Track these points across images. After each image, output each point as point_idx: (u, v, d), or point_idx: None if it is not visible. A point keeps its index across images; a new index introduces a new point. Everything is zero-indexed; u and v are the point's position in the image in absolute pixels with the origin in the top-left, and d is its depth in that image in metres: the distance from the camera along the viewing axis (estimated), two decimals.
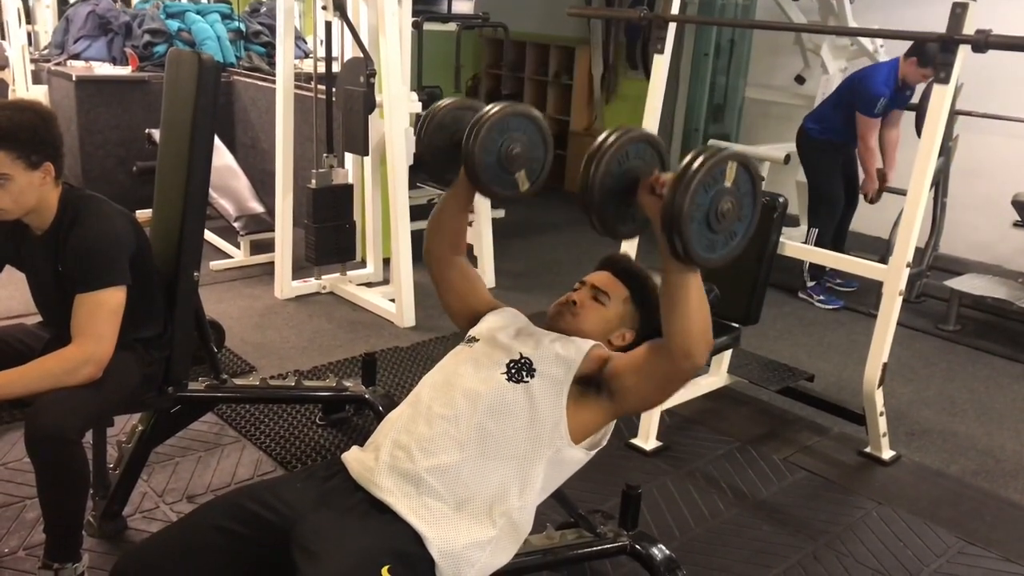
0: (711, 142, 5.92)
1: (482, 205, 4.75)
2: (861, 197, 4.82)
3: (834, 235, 4.85)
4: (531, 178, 1.87)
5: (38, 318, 2.37)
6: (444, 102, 1.92)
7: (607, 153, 1.54)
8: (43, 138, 2.05)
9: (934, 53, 2.85)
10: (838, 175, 4.85)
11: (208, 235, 4.89)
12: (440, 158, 1.90)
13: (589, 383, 1.69)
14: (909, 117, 4.69)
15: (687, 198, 1.41)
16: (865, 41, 5.40)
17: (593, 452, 1.74)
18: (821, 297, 4.81)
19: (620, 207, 1.59)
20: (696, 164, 1.43)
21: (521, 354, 1.71)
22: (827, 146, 4.79)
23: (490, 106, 1.80)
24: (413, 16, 4.42)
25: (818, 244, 4.65)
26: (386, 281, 4.66)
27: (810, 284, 4.84)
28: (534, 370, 1.68)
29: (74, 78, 5.43)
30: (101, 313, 2.06)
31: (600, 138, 1.57)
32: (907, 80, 4.47)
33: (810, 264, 4.76)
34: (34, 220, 2.13)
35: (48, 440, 1.94)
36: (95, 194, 2.21)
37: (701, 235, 1.46)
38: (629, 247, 3.63)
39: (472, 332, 1.85)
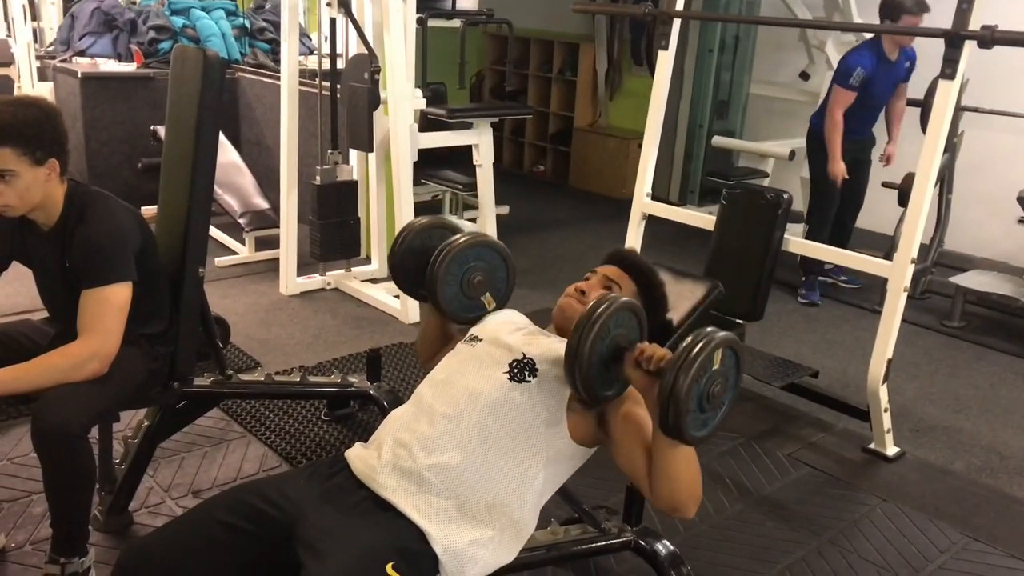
0: (715, 139, 5.92)
1: (487, 201, 4.76)
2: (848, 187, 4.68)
3: (835, 234, 4.79)
4: (496, 298, 1.99)
5: (44, 314, 2.38)
6: (416, 222, 2.02)
7: (595, 330, 1.57)
8: (48, 134, 2.06)
9: (894, 3, 2.74)
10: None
11: (213, 231, 4.90)
12: (411, 279, 2.01)
13: (588, 405, 1.70)
14: (914, 112, 4.68)
15: (684, 395, 1.45)
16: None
17: (594, 449, 1.75)
18: (802, 291, 4.79)
19: (605, 373, 1.63)
20: (687, 360, 1.46)
21: (524, 354, 1.71)
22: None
23: (451, 240, 1.91)
24: (417, 12, 4.41)
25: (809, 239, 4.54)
26: (391, 277, 4.66)
27: (804, 279, 4.82)
28: (536, 370, 1.68)
29: (79, 75, 5.44)
30: (107, 309, 2.07)
31: (591, 306, 1.60)
32: (888, 47, 4.36)
33: (802, 260, 4.71)
34: (40, 216, 2.14)
35: (54, 436, 1.95)
36: (100, 190, 2.22)
37: (695, 419, 1.51)
38: (634, 243, 3.64)
39: (474, 331, 1.86)
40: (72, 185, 2.16)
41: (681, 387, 1.45)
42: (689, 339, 1.50)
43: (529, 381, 1.67)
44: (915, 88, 4.95)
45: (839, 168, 4.54)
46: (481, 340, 1.80)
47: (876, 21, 4.83)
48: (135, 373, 2.21)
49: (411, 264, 2.00)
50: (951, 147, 4.68)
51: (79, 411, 1.99)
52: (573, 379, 1.58)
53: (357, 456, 1.67)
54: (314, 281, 4.55)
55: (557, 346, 1.73)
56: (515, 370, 1.68)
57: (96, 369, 2.05)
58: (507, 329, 1.82)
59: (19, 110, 2.03)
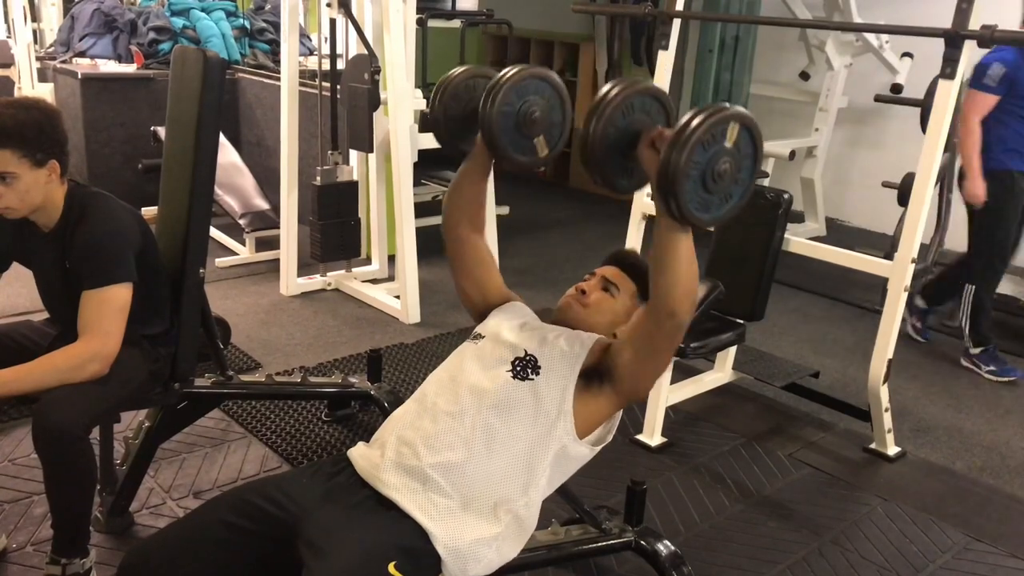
0: None
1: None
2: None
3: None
4: (550, 144, 1.83)
5: (45, 315, 2.38)
6: (457, 70, 1.88)
7: (611, 104, 1.51)
8: (48, 136, 2.06)
9: None
10: (1011, 215, 3.87)
11: (214, 232, 4.90)
12: (455, 128, 1.87)
13: (593, 375, 1.70)
14: (914, 112, 4.68)
15: (684, 154, 1.38)
16: (870, 37, 5.39)
17: (598, 448, 1.75)
18: (991, 367, 3.92)
19: (621, 160, 1.56)
20: (697, 120, 1.40)
21: (526, 351, 1.71)
22: (994, 177, 3.79)
23: (507, 69, 1.75)
24: (417, 13, 4.42)
25: (975, 305, 3.92)
26: (391, 278, 4.66)
27: (974, 351, 3.98)
28: (539, 367, 1.68)
29: (79, 76, 5.44)
30: (107, 310, 2.07)
31: (605, 88, 1.54)
32: None
33: (971, 326, 3.95)
34: (40, 218, 2.14)
35: (55, 436, 1.95)
36: (101, 191, 2.22)
37: (695, 193, 1.44)
38: (635, 244, 3.63)
39: (478, 329, 1.86)
40: (72, 186, 2.16)
41: (681, 151, 1.38)
42: (699, 107, 1.43)
43: (532, 378, 1.67)
44: (915, 88, 4.95)
45: (977, 188, 3.78)
46: (483, 337, 1.80)
47: (876, 20, 4.84)
48: (136, 374, 2.21)
49: (455, 111, 1.85)
50: (951, 147, 4.67)
51: (80, 412, 1.99)
52: (586, 161, 1.53)
53: (360, 455, 1.67)
54: (314, 282, 4.55)
55: (560, 340, 1.73)
56: (518, 368, 1.68)
57: (97, 370, 2.05)
58: (509, 326, 1.82)
59: (19, 112, 2.03)
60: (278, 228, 4.59)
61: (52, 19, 6.87)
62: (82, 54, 6.00)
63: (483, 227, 1.97)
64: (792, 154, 5.52)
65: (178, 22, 6.09)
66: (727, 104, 1.45)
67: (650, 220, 3.66)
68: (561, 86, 1.82)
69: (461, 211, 1.92)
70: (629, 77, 1.59)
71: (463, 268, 1.96)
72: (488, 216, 4.77)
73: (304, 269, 4.57)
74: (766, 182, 5.51)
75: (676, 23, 3.51)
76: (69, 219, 2.13)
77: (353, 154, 4.59)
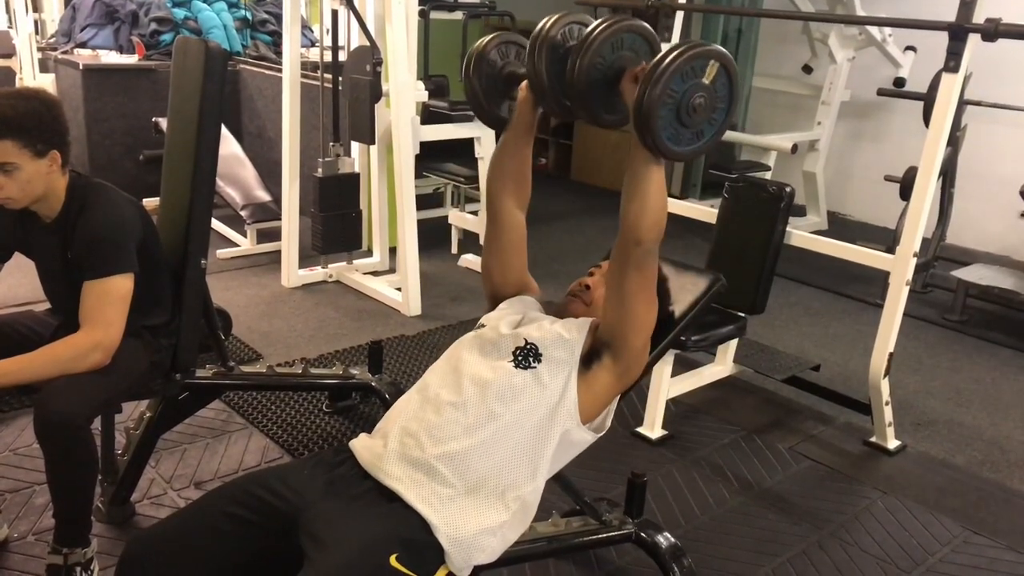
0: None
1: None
2: None
3: None
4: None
5: (47, 305, 2.38)
6: (487, 38, 1.87)
7: (597, 39, 1.52)
8: (49, 126, 2.06)
9: None
10: None
11: (215, 224, 4.90)
12: (491, 95, 1.88)
13: (592, 355, 1.72)
14: (917, 106, 4.67)
15: (662, 81, 1.40)
16: (873, 30, 5.38)
17: (599, 435, 1.76)
18: None
19: (606, 95, 1.57)
20: (677, 51, 1.42)
21: (527, 340, 1.72)
22: None
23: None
24: (419, 4, 4.41)
25: None
26: (392, 270, 4.67)
27: None
28: (540, 355, 1.69)
29: (81, 67, 5.44)
30: (109, 300, 2.07)
31: (592, 24, 1.55)
32: None
33: None
34: (42, 208, 2.14)
35: (57, 426, 1.95)
36: (102, 182, 2.22)
37: (669, 124, 1.46)
38: None
39: (483, 319, 1.87)
40: (74, 177, 2.16)
41: (659, 79, 1.39)
42: (681, 41, 1.47)
43: (534, 367, 1.67)
44: (918, 81, 4.95)
45: None
46: (485, 327, 1.81)
47: (879, 13, 4.82)
48: (137, 364, 2.21)
49: (489, 78, 1.84)
50: (954, 141, 4.67)
51: (82, 402, 1.99)
52: (571, 96, 1.55)
53: (363, 446, 1.67)
54: (316, 273, 4.55)
55: (557, 326, 1.74)
56: (519, 357, 1.69)
57: (99, 360, 2.06)
58: (511, 317, 1.83)
59: (19, 103, 2.03)
60: (279, 220, 4.59)
61: (53, 9, 6.86)
62: (83, 45, 5.99)
63: (526, 204, 1.94)
64: (794, 147, 5.51)
65: (180, 13, 6.08)
66: (707, 43, 1.48)
67: None
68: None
69: (505, 180, 1.90)
70: (615, 15, 1.58)
71: (496, 244, 1.95)
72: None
73: (305, 261, 4.57)
74: (768, 175, 5.51)
75: (679, 15, 3.50)
76: (70, 210, 2.13)
77: (355, 146, 4.59)
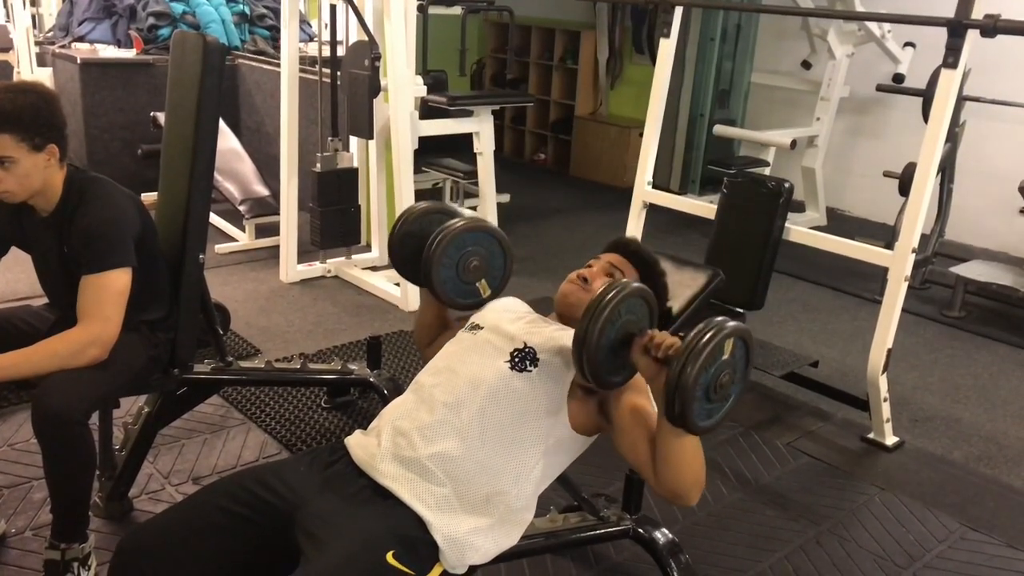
0: (716, 128, 5.91)
1: (487, 189, 4.75)
2: None
3: None
4: (492, 285, 1.97)
5: (44, 300, 2.37)
6: (415, 207, 2.02)
7: (604, 316, 1.55)
8: (46, 120, 2.05)
9: None
10: None
11: (213, 218, 4.90)
12: (410, 263, 1.99)
13: (591, 392, 1.69)
14: (916, 102, 4.67)
15: (692, 382, 1.44)
16: (872, 26, 5.38)
17: (594, 437, 1.75)
18: None
19: (614, 359, 1.60)
20: (698, 346, 1.45)
21: (525, 343, 1.70)
22: None
23: (447, 224, 1.89)
24: None
25: None
26: (391, 265, 4.65)
27: None
28: (537, 359, 1.68)
29: (79, 61, 5.43)
30: (106, 295, 2.07)
31: (599, 295, 1.57)
32: None
33: None
34: (39, 202, 2.13)
35: (55, 421, 1.95)
36: (100, 176, 2.21)
37: (702, 409, 1.50)
38: (635, 232, 3.63)
39: (475, 319, 1.85)
40: (71, 170, 2.16)
41: (689, 376, 1.44)
42: (700, 326, 1.48)
43: (530, 370, 1.66)
44: (917, 77, 4.94)
45: None
46: (482, 328, 1.80)
47: (878, 9, 4.82)
48: (135, 359, 2.21)
49: (410, 248, 1.98)
50: (953, 137, 4.67)
51: (80, 397, 1.99)
52: (581, 364, 1.57)
53: (357, 444, 1.67)
54: (314, 269, 4.55)
55: (559, 334, 1.73)
56: (516, 359, 1.68)
57: (96, 355, 2.05)
58: (508, 317, 1.82)
59: (17, 96, 2.02)
60: (278, 214, 4.58)
61: (51, 4, 6.84)
62: (81, 39, 5.97)
63: (451, 324, 2.03)
64: (793, 143, 5.51)
65: (177, 7, 6.07)
66: (720, 320, 1.50)
67: (650, 209, 3.65)
68: (500, 234, 1.96)
69: (429, 337, 2.04)
70: (618, 282, 1.62)
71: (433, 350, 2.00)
72: (488, 204, 4.80)
73: (304, 256, 4.56)
74: (767, 171, 5.51)
75: (678, 11, 3.50)
76: (68, 204, 2.12)
77: (353, 141, 4.58)
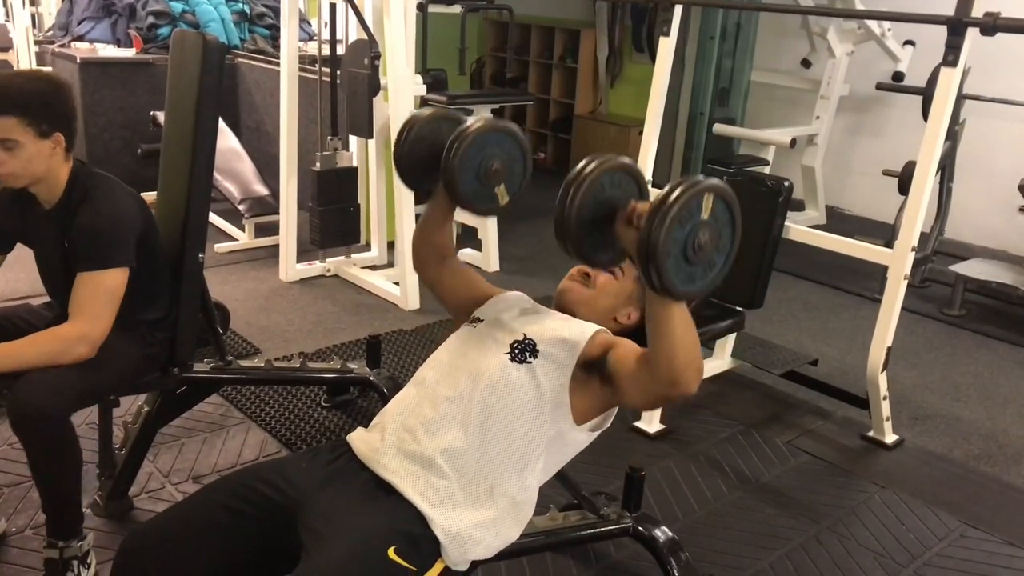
0: (716, 127, 5.91)
1: None
2: None
3: None
4: (510, 191, 1.89)
5: (44, 299, 2.37)
6: (424, 112, 1.92)
7: (584, 183, 1.52)
8: (55, 108, 2.07)
9: None
10: None
11: (213, 217, 4.89)
12: (418, 169, 1.91)
13: (592, 368, 1.69)
14: (916, 100, 4.67)
15: (662, 233, 1.39)
16: (872, 24, 5.37)
17: (596, 434, 1.75)
18: None
19: (598, 236, 1.57)
20: (671, 199, 1.40)
21: (524, 335, 1.71)
22: None
23: (469, 122, 1.80)
24: None
25: None
26: (390, 264, 4.66)
27: None
28: (537, 351, 1.68)
29: (78, 60, 5.42)
30: (100, 293, 2.06)
31: (578, 166, 1.55)
32: None
33: None
34: (42, 192, 2.13)
35: (30, 418, 1.94)
36: (106, 174, 2.21)
37: (678, 269, 1.44)
38: None
39: (477, 313, 1.86)
40: (78, 166, 2.16)
41: (659, 228, 1.38)
42: (675, 182, 1.43)
43: (530, 362, 1.66)
44: (917, 75, 4.94)
45: None
46: (482, 321, 1.80)
47: (878, 8, 4.82)
48: (127, 359, 2.20)
49: (419, 153, 1.89)
50: (952, 135, 4.67)
51: (57, 393, 1.97)
52: (562, 237, 1.55)
53: (360, 439, 1.67)
54: (314, 268, 4.55)
55: (558, 324, 1.73)
56: (516, 351, 1.68)
57: (84, 353, 2.04)
58: (509, 310, 1.82)
59: (28, 82, 2.04)
60: (277, 214, 4.58)
61: (50, 3, 6.84)
62: (80, 38, 5.97)
63: (453, 253, 1.98)
64: (793, 142, 5.51)
65: (177, 6, 6.07)
66: (700, 177, 1.46)
67: None
68: (522, 137, 1.86)
69: (429, 250, 1.95)
70: (603, 154, 1.59)
71: (441, 287, 1.97)
72: None
73: (303, 255, 4.56)
74: (767, 170, 5.51)
75: (678, 9, 3.50)
76: (72, 198, 2.12)
77: (353, 140, 4.58)
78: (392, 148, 1.94)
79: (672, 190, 1.41)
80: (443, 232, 1.95)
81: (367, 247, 4.84)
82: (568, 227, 1.53)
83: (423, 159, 1.88)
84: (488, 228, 4.73)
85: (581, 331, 1.71)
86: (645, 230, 1.40)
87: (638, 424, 3.12)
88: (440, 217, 1.93)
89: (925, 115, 3.79)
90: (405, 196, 4.10)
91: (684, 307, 1.50)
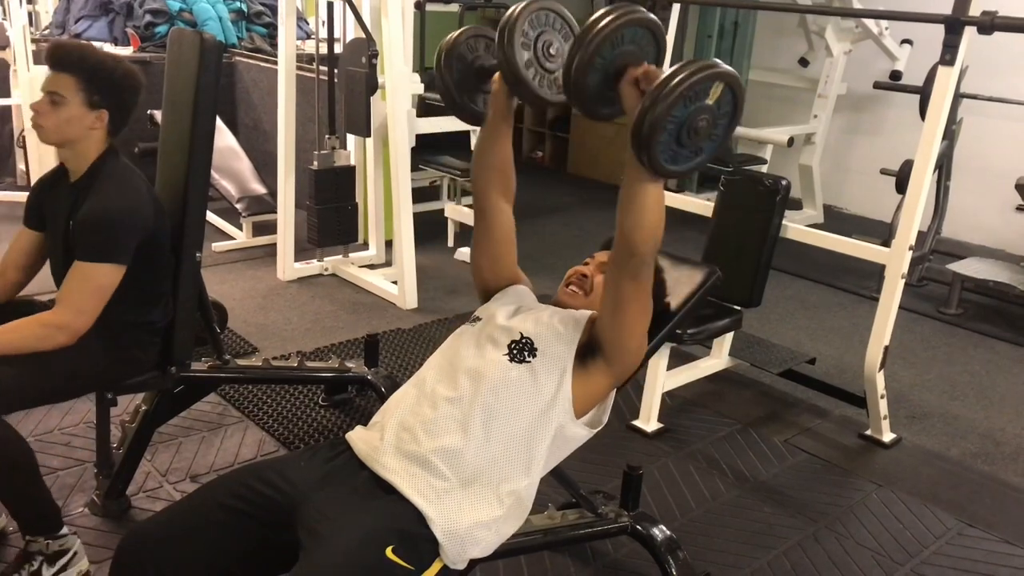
0: None
1: None
2: None
3: None
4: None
5: (49, 295, 2.36)
6: (456, 32, 1.85)
7: (600, 34, 1.47)
8: (115, 89, 2.11)
9: None
10: None
11: (210, 216, 4.88)
12: (464, 89, 1.85)
13: (587, 351, 1.71)
14: (913, 99, 4.67)
15: (664, 107, 1.36)
16: (870, 23, 5.38)
17: (595, 431, 1.75)
18: None
19: (604, 89, 1.52)
20: (682, 75, 1.37)
21: (522, 334, 1.71)
22: None
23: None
24: None
25: None
26: (388, 263, 4.66)
27: None
28: (536, 349, 1.68)
29: None
30: (88, 286, 2.05)
31: (598, 14, 1.50)
32: None
33: None
34: (70, 160, 2.15)
35: None
36: (134, 168, 2.22)
37: (668, 147, 1.43)
38: None
39: (478, 311, 1.86)
40: (111, 150, 2.17)
41: (662, 103, 1.36)
42: (691, 60, 1.40)
43: (529, 361, 1.67)
44: (914, 74, 4.94)
45: None
46: (480, 320, 1.81)
47: (876, 6, 4.82)
48: (85, 369, 2.13)
49: (461, 72, 1.82)
50: (950, 134, 4.67)
51: None
52: (568, 85, 1.52)
53: (359, 437, 1.67)
54: (312, 267, 4.55)
55: (555, 319, 1.73)
56: (514, 351, 1.68)
57: (63, 342, 2.03)
58: (506, 309, 1.82)
59: (108, 59, 2.13)
60: (275, 212, 4.58)
61: (47, 1, 6.82)
62: (78, 37, 5.95)
63: (512, 196, 1.93)
64: (790, 141, 5.51)
65: (174, 4, 6.06)
66: (715, 61, 1.43)
67: None
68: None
69: (489, 173, 1.89)
70: (626, 4, 1.53)
71: (486, 239, 1.93)
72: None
73: (301, 254, 4.56)
74: (764, 168, 5.51)
75: (676, 8, 3.50)
76: (93, 177, 2.12)
77: (350, 138, 4.58)
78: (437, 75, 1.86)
79: (684, 67, 1.38)
80: (502, 150, 1.88)
81: (365, 246, 4.84)
82: (576, 75, 1.48)
83: (466, 78, 1.83)
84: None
85: (576, 321, 1.74)
86: (648, 98, 1.39)
87: (636, 423, 3.12)
88: (498, 130, 1.85)
89: (923, 114, 3.79)
90: (403, 195, 4.10)
91: (659, 186, 1.51)
